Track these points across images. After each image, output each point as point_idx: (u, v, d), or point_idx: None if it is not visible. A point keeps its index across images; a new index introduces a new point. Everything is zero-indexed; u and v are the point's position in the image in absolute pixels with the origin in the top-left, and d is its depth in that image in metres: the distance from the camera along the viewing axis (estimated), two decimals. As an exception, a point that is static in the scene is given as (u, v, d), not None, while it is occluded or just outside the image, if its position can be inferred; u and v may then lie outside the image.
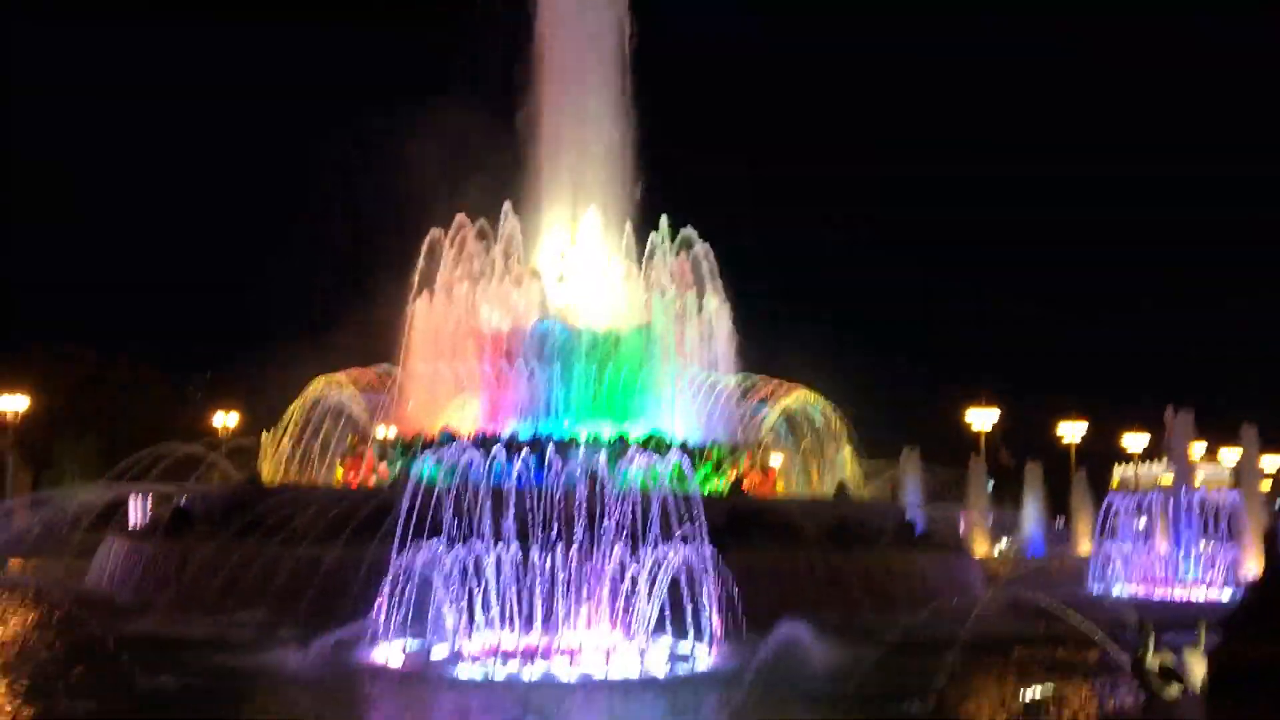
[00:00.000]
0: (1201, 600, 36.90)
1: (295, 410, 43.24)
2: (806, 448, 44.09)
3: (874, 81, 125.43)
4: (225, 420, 75.94)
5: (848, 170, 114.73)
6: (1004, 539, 64.34)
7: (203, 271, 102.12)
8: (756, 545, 30.14)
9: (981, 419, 79.77)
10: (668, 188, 50.06)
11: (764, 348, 48.11)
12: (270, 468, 42.06)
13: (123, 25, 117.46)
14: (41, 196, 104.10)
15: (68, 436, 72.68)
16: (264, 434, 44.57)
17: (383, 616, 21.64)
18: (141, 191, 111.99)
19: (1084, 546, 56.89)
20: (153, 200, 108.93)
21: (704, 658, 21.49)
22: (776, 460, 43.36)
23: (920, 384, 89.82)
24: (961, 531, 56.15)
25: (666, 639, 21.85)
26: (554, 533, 22.16)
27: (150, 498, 44.78)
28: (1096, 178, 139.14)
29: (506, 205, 45.69)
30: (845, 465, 43.20)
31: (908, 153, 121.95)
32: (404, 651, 21.49)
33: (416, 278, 44.43)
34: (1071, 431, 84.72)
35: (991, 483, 72.01)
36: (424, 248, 44.74)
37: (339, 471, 41.49)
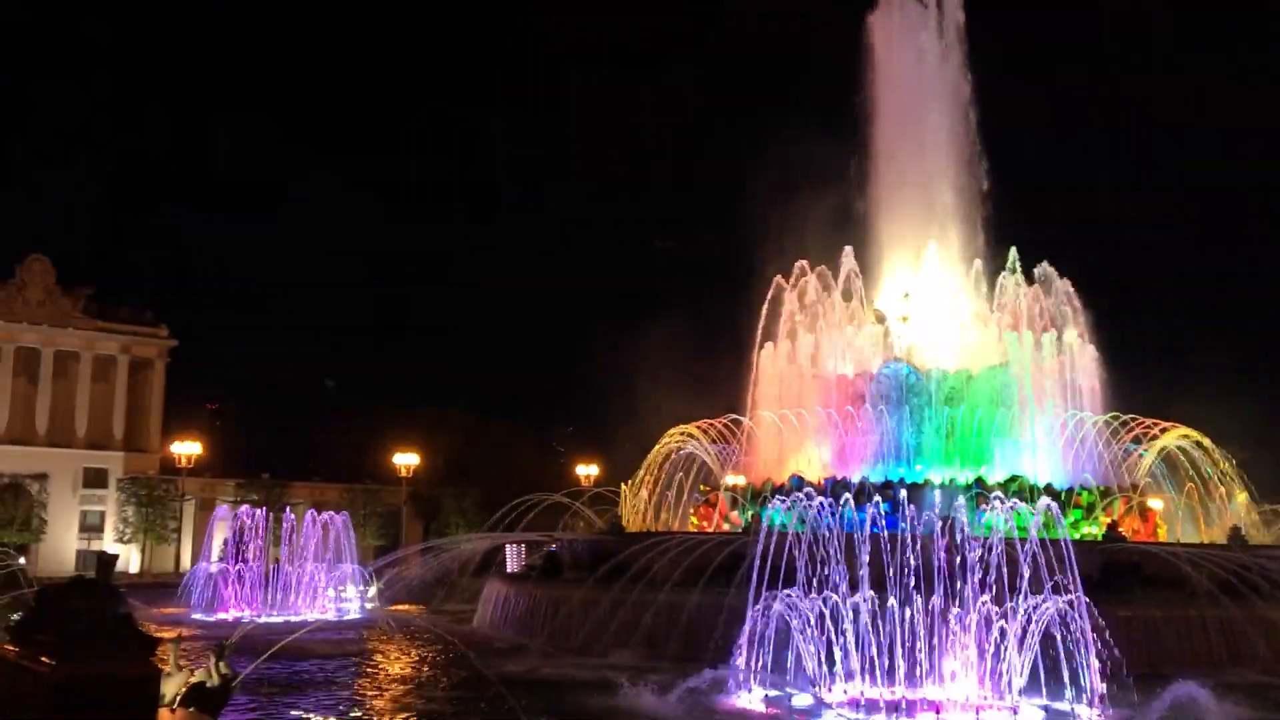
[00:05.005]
0: None
1: (650, 460, 44.86)
2: (1191, 491, 40.18)
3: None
4: (587, 471, 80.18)
5: (1225, 176, 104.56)
6: None
7: (563, 335, 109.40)
8: (1139, 597, 27.89)
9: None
10: (1017, 221, 47.98)
11: (1141, 384, 44.63)
12: (629, 515, 43.79)
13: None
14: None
15: (452, 489, 79.48)
16: (623, 484, 46.54)
17: (743, 662, 21.79)
18: (510, 272, 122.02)
19: None
20: (520, 273, 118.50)
21: (1086, 717, 19.94)
22: (1156, 505, 39.83)
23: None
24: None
25: (1040, 698, 20.49)
26: (912, 582, 21.47)
27: (524, 545, 47.93)
28: None
29: (847, 249, 45.53)
30: (1238, 510, 38.96)
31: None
32: (766, 700, 21.49)
33: (760, 327, 45.07)
34: None
35: None
36: (768, 296, 45.37)
37: (693, 519, 42.51)
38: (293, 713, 20.44)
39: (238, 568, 43.81)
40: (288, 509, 48.14)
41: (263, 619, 39.66)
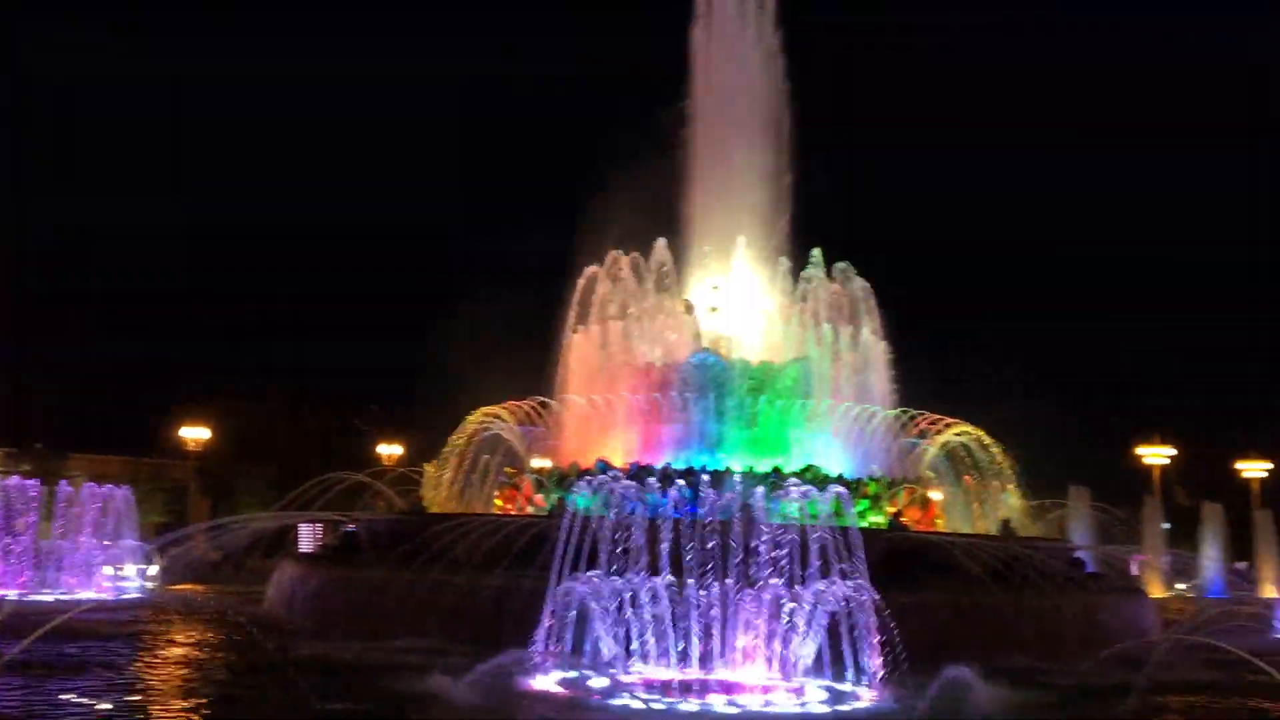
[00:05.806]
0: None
1: (455, 441, 44.39)
2: (968, 484, 42.82)
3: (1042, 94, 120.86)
4: (390, 451, 78.66)
5: (1004, 196, 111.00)
6: (1181, 582, 61.23)
7: (370, 313, 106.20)
8: (917, 583, 29.33)
9: (1155, 457, 76.32)
10: (823, 220, 49.84)
11: (924, 383, 47.21)
12: (432, 497, 43.24)
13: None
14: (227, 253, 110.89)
15: (246, 466, 76.52)
16: (426, 464, 45.91)
17: (542, 645, 21.89)
18: (317, 242, 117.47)
19: (1268, 590, 53.73)
20: (327, 248, 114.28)
21: (865, 698, 20.95)
22: (936, 496, 42.23)
23: (1091, 420, 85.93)
24: (1134, 573, 53.65)
25: (825, 679, 21.42)
26: (709, 566, 22.05)
27: (321, 525, 46.65)
28: None
29: (659, 240, 46.29)
30: (1010, 503, 41.75)
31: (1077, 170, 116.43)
32: (563, 682, 21.65)
33: (572, 312, 45.26)
34: (1253, 471, 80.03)
35: (1167, 524, 68.58)
36: (580, 283, 45.58)
37: (497, 501, 42.34)
38: (64, 696, 19.23)
39: (4, 543, 41.11)
40: (64, 481, 45.50)
41: (31, 597, 37.38)
